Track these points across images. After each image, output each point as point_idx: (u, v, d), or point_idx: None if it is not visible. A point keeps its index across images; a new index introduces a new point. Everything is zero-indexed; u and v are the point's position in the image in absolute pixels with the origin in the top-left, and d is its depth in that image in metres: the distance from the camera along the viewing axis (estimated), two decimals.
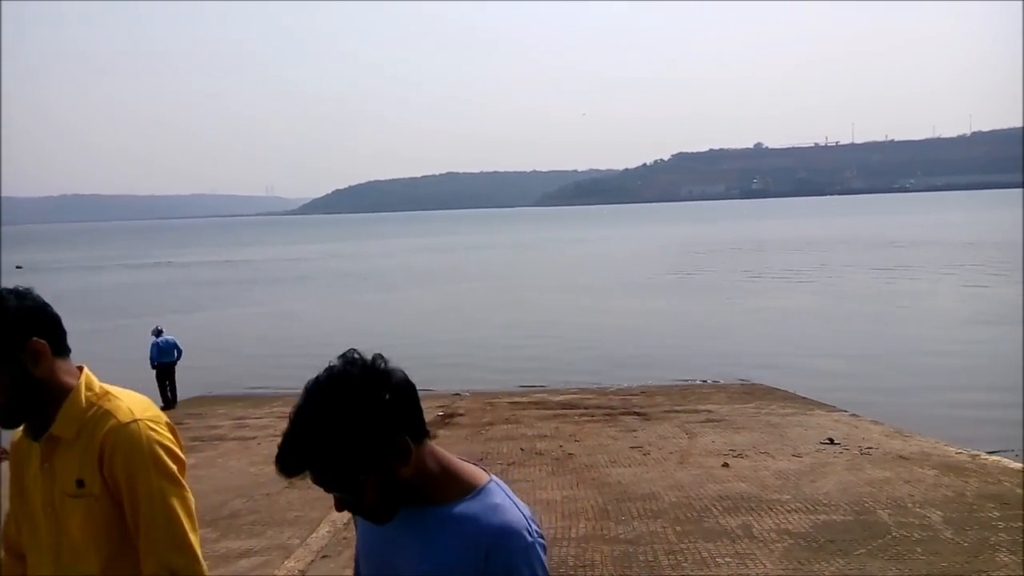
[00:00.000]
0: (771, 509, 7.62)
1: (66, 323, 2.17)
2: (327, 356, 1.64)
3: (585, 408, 13.55)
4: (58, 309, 2.17)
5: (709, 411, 12.79)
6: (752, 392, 14.71)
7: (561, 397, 14.91)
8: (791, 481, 8.56)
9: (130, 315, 31.44)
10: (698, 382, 16.46)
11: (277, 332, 28.49)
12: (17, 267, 75.67)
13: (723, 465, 9.30)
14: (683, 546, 6.73)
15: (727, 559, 6.41)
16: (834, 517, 7.32)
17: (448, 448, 1.68)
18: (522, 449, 10.57)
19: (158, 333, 15.95)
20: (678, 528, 7.18)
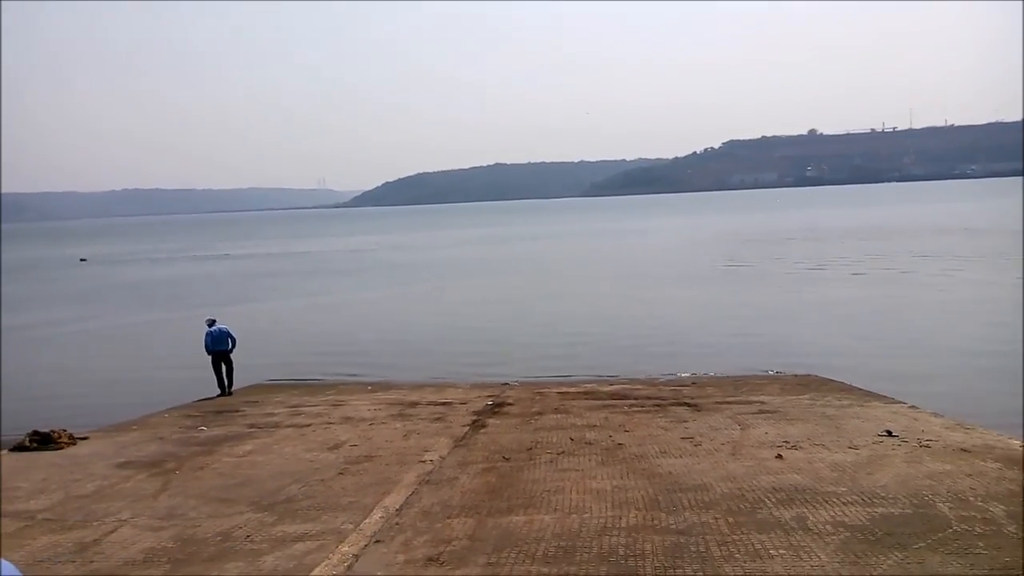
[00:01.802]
0: (826, 501, 7.50)
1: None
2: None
3: (635, 399, 13.49)
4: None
5: (762, 402, 12.62)
6: (807, 383, 14.45)
7: (610, 387, 14.87)
8: (847, 473, 8.41)
9: (193, 306, 32.30)
10: (751, 373, 16.21)
11: (333, 322, 28.99)
12: (81, 259, 78.42)
13: (777, 456, 9.18)
14: (735, 537, 6.68)
15: (781, 551, 6.34)
16: (892, 510, 7.18)
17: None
18: (571, 439, 10.58)
19: (211, 323, 16.32)
20: (730, 519, 7.12)
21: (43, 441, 11.60)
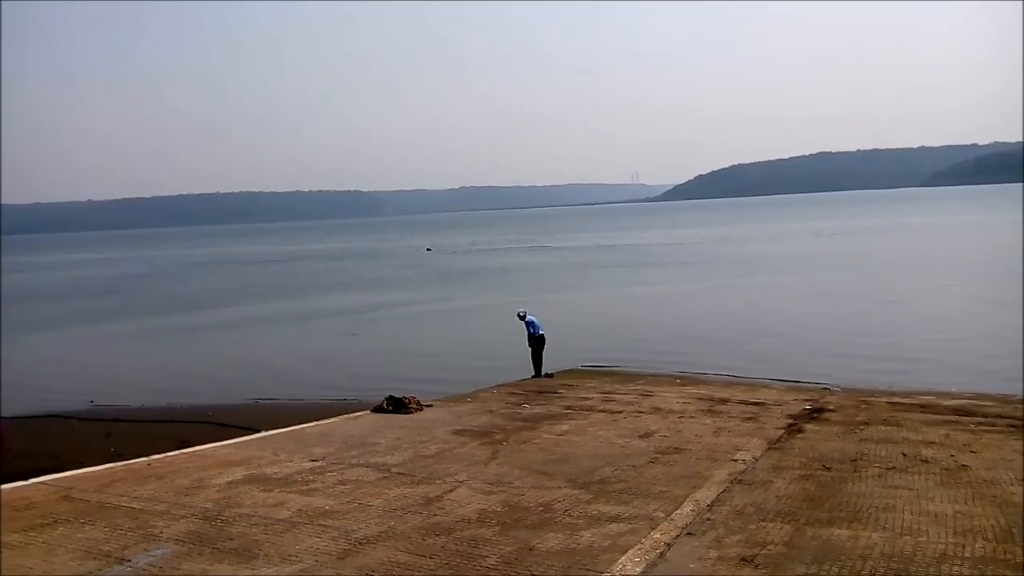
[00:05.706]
0: None
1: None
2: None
3: (984, 416, 11.89)
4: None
5: None
6: None
7: (953, 401, 13.25)
8: None
9: (520, 292, 35.08)
10: None
11: (648, 313, 29.62)
12: (427, 249, 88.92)
13: None
14: None
15: None
16: None
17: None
18: (904, 454, 9.64)
19: (523, 315, 17.50)
20: None
21: (397, 405, 13.41)
